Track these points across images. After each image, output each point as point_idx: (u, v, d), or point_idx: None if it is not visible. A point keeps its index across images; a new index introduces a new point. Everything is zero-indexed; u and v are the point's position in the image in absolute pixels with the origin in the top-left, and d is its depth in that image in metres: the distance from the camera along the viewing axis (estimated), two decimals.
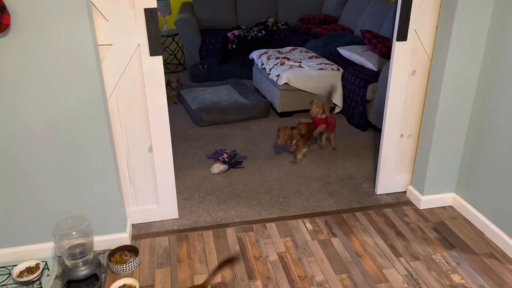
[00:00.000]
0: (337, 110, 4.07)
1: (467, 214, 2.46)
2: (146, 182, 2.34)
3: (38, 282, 1.98)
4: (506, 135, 2.13)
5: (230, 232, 2.37)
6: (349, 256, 2.18)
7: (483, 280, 2.00)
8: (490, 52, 2.19)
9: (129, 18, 1.95)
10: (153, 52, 2.02)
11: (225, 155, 3.15)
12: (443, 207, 2.58)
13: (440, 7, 2.23)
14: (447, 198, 2.59)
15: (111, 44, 1.96)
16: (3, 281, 1.96)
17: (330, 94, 3.48)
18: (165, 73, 5.83)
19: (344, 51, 4.03)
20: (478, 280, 2.01)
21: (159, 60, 2.06)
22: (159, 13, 5.83)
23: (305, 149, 3.18)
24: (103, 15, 1.91)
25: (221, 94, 4.31)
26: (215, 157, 3.19)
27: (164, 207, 2.43)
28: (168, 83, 4.45)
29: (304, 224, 2.45)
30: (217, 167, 3.01)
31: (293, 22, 6.07)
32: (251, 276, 2.05)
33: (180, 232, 2.38)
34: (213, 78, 5.13)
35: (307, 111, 4.13)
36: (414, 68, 2.39)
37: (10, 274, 2.01)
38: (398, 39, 2.30)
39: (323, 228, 2.40)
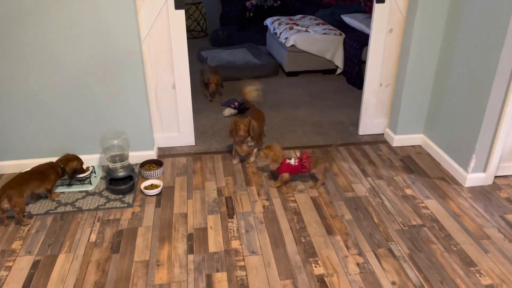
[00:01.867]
0: (338, 71, 4.58)
1: (430, 150, 2.98)
2: (170, 113, 2.94)
3: (88, 179, 2.63)
4: (459, 85, 2.62)
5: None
6: (327, 175, 2.75)
7: (430, 193, 2.55)
8: (452, 13, 2.65)
9: None
10: (177, 6, 2.59)
11: (236, 103, 3.73)
12: (413, 146, 3.11)
13: None
14: (417, 139, 3.10)
15: None
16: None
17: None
18: (189, 38, 6.40)
19: (347, 18, 4.49)
20: (426, 193, 2.55)
21: (182, 13, 2.62)
22: None
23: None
24: None
25: (236, 55, 4.86)
26: (228, 104, 3.77)
27: (183, 135, 3.04)
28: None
29: (295, 152, 3.02)
30: (228, 111, 3.60)
31: None
32: (248, 183, 2.65)
33: (195, 155, 2.99)
34: (231, 43, 5.67)
35: (312, 71, 4.66)
36: (391, 27, 2.88)
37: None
38: (378, 2, 2.79)
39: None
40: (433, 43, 2.78)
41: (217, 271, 1.98)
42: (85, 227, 2.27)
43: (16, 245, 2.14)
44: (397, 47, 2.95)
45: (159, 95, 2.86)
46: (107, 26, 2.45)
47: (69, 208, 2.42)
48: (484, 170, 2.60)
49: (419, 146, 3.10)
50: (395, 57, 2.98)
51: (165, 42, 2.71)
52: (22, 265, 2.01)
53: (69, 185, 2.59)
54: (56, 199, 2.48)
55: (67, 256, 2.06)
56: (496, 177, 2.68)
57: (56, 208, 2.41)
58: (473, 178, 2.60)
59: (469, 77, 2.52)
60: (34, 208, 2.41)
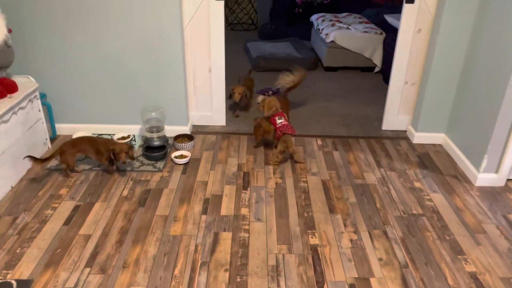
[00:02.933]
0: (376, 69, 4.66)
1: (449, 150, 3.05)
2: (205, 94, 3.25)
3: None
4: (479, 87, 2.68)
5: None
6: (342, 162, 2.92)
7: (438, 188, 2.65)
8: (479, 15, 2.71)
9: None
10: None
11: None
12: (433, 144, 3.18)
13: None
14: (438, 138, 3.17)
15: None
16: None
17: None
18: (239, 30, 6.72)
19: (389, 18, 4.56)
20: (434, 188, 2.65)
21: (221, 3, 2.91)
22: None
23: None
24: None
25: (279, 48, 5.09)
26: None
27: (215, 115, 3.34)
28: (230, 94, 3.53)
29: (316, 141, 3.21)
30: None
31: None
32: (267, 163, 2.89)
33: (224, 134, 3.28)
34: (278, 36, 5.91)
35: (350, 68, 4.79)
36: (419, 27, 2.98)
37: (112, 137, 3.07)
38: (407, 2, 2.90)
39: (330, 145, 3.15)
40: (460, 44, 2.84)
41: (224, 230, 2.25)
42: (119, 184, 2.63)
43: (63, 191, 2.55)
44: (425, 47, 3.04)
45: (196, 77, 3.18)
46: (153, 14, 2.79)
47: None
48: (496, 171, 2.65)
49: (440, 145, 3.17)
50: (423, 57, 3.07)
51: (204, 29, 3.01)
52: (66, 207, 2.41)
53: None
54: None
55: (102, 205, 2.43)
56: (510, 180, 2.72)
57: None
58: (484, 178, 2.66)
59: (488, 80, 2.58)
60: (81, 163, 2.82)
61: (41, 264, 2.00)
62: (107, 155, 2.63)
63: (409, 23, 2.97)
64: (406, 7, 2.92)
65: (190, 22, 2.97)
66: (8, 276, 1.93)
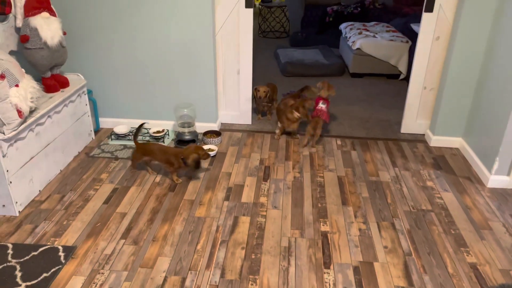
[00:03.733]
0: (401, 77, 4.79)
1: (466, 153, 3.15)
2: (233, 94, 3.51)
3: (162, 139, 3.31)
4: (495, 92, 2.79)
5: (282, 137, 3.43)
6: (359, 161, 3.09)
7: (449, 188, 2.77)
8: (496, 23, 2.83)
9: None
10: (247, 5, 3.14)
11: None
12: (450, 148, 3.29)
13: None
14: (455, 142, 3.28)
15: None
16: (145, 134, 3.34)
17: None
18: (271, 38, 6.99)
19: (415, 27, 4.68)
20: (445, 187, 2.78)
21: (250, 11, 3.17)
22: None
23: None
24: None
25: (307, 54, 5.31)
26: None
27: (242, 115, 3.60)
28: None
29: (336, 141, 3.40)
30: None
31: (390, 2, 6.69)
32: (287, 159, 3.11)
33: (250, 132, 3.52)
34: (308, 44, 6.13)
35: (376, 75, 4.93)
36: (438, 35, 3.12)
37: (148, 131, 3.39)
38: (426, 11, 3.05)
39: (348, 145, 3.33)
40: (476, 51, 2.96)
41: (243, 215, 2.48)
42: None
43: (103, 176, 2.86)
44: (443, 54, 3.17)
45: (226, 78, 3.45)
46: (189, 20, 3.09)
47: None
48: (508, 174, 2.74)
49: (457, 149, 3.28)
50: (441, 63, 3.20)
51: (234, 35, 3.28)
52: (105, 189, 2.72)
53: (148, 141, 3.30)
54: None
55: (137, 188, 2.73)
56: None
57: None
58: (496, 179, 2.75)
59: (502, 85, 2.69)
60: (120, 153, 3.14)
61: (83, 234, 2.30)
62: (177, 165, 2.72)
63: (428, 31, 3.12)
64: (425, 15, 3.08)
65: (222, 28, 3.25)
66: (56, 242, 2.24)
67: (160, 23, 3.13)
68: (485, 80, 2.93)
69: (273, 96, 3.75)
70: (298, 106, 3.25)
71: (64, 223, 2.39)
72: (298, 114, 3.25)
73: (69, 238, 2.28)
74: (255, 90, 3.62)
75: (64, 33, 2.96)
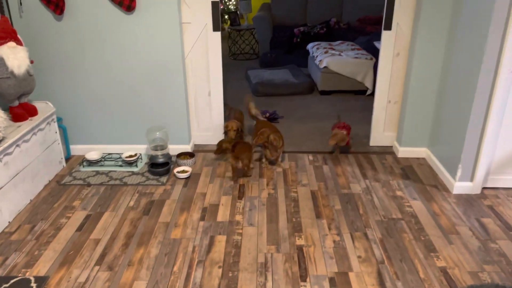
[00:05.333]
0: (368, 92, 4.96)
1: (431, 162, 3.28)
2: (205, 115, 3.56)
3: (135, 163, 3.30)
4: (453, 102, 2.95)
5: (255, 155, 3.48)
6: (330, 175, 3.17)
7: (418, 196, 2.87)
8: (449, 41, 3.01)
9: (202, 5, 3.17)
10: (215, 28, 3.23)
11: (268, 114, 4.27)
12: (417, 158, 3.42)
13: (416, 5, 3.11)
14: (421, 152, 3.41)
15: (190, 22, 3.20)
16: (117, 159, 3.33)
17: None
18: (241, 60, 7.12)
19: (378, 44, 4.89)
20: (414, 196, 2.88)
21: (218, 34, 3.26)
22: (240, 12, 7.15)
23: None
24: (186, 3, 3.16)
25: (277, 74, 5.44)
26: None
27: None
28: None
29: (308, 157, 3.47)
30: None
31: (354, 22, 6.96)
32: (261, 176, 3.15)
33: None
34: (278, 64, 6.27)
35: (345, 91, 5.09)
36: (398, 51, 3.28)
37: (120, 156, 3.37)
38: (385, 29, 3.22)
39: (320, 160, 3.41)
40: (434, 65, 3.13)
41: (219, 234, 2.49)
42: (126, 196, 2.90)
43: (76, 203, 2.82)
44: (403, 69, 3.33)
45: (197, 100, 3.50)
46: (157, 44, 3.14)
47: (118, 182, 3.08)
48: (471, 180, 2.87)
49: (423, 158, 3.41)
50: (402, 77, 3.36)
51: (203, 57, 3.35)
52: (78, 216, 2.68)
53: (121, 165, 3.28)
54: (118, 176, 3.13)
55: (110, 214, 2.70)
56: (485, 188, 2.93)
57: (108, 181, 3.09)
58: (460, 186, 2.88)
59: (459, 97, 2.85)
60: (93, 179, 3.11)
61: (56, 263, 2.26)
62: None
63: (389, 48, 3.28)
64: (384, 33, 3.24)
65: (191, 51, 3.31)
66: (27, 273, 2.19)
67: (129, 48, 3.17)
68: (444, 92, 3.09)
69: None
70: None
71: (36, 253, 2.34)
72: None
73: (40, 268, 2.22)
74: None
75: (32, 62, 2.95)
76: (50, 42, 3.15)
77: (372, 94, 4.94)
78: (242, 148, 3.05)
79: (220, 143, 3.18)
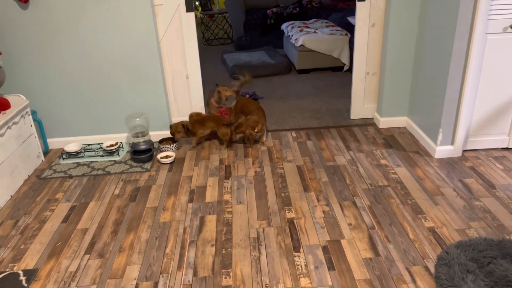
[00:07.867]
0: (345, 68, 4.99)
1: (412, 130, 3.34)
2: (184, 99, 3.50)
3: (116, 152, 3.23)
4: (432, 73, 2.99)
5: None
6: (315, 150, 3.18)
7: (401, 163, 2.92)
8: (422, 10, 3.04)
9: None
10: (188, 9, 3.16)
11: (247, 95, 4.24)
12: (398, 127, 3.47)
13: None
14: (401, 121, 3.46)
15: (162, 4, 3.13)
16: (98, 149, 3.25)
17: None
18: (216, 45, 7.03)
19: (352, 19, 4.91)
20: (398, 163, 2.92)
21: (192, 15, 3.19)
22: None
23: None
24: None
25: (254, 56, 5.40)
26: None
27: None
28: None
29: (291, 134, 3.48)
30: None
31: (326, 0, 6.95)
32: (246, 156, 3.14)
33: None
34: (253, 47, 6.23)
35: (322, 69, 5.10)
36: (373, 22, 3.29)
37: (101, 146, 3.30)
38: (359, 0, 3.22)
39: (303, 136, 3.42)
40: (409, 34, 3.16)
41: (209, 214, 2.47)
42: (111, 185, 2.85)
43: (59, 196, 2.75)
44: (380, 40, 3.35)
45: (175, 84, 3.44)
46: (130, 29, 3.06)
47: (100, 172, 3.02)
48: (452, 143, 2.93)
49: (404, 127, 3.46)
50: (379, 49, 3.38)
51: (179, 39, 3.28)
52: (62, 208, 2.61)
53: (102, 155, 3.21)
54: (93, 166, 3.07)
55: (96, 203, 2.65)
56: (466, 150, 3.00)
57: (90, 172, 3.02)
58: (442, 150, 2.94)
59: (435, 64, 2.89)
60: (74, 171, 3.03)
61: (44, 256, 2.20)
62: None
63: (364, 19, 3.29)
64: (358, 5, 3.24)
65: (165, 34, 3.24)
66: (15, 268, 2.12)
67: (102, 34, 3.07)
68: (421, 60, 3.13)
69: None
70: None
71: (22, 247, 2.27)
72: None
73: (28, 261, 2.16)
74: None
75: (0, 53, 2.83)
76: (17, 33, 3.02)
77: (350, 70, 4.97)
78: (256, 115, 3.31)
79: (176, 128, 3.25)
